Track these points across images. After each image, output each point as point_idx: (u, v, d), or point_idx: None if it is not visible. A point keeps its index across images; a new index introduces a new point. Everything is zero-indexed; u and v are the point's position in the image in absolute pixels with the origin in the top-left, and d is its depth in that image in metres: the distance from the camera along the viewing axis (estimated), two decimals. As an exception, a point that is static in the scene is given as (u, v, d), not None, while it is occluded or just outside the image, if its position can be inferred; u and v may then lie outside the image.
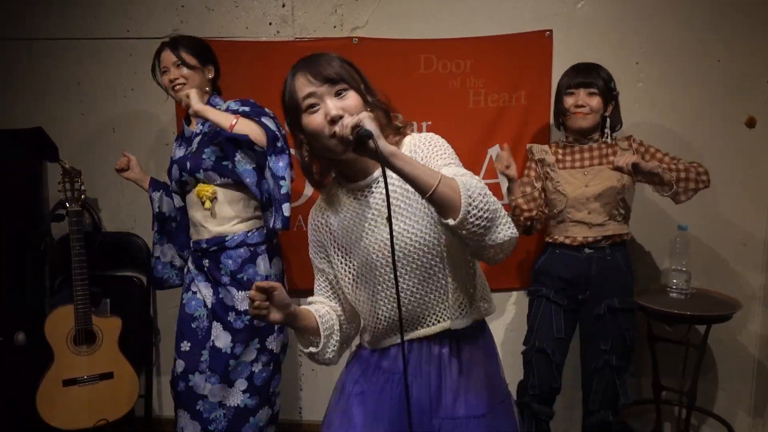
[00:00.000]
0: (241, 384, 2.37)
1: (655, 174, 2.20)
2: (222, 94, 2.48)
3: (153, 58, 2.41)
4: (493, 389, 1.51)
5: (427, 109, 2.80)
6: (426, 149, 1.40)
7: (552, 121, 2.59)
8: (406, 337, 1.46)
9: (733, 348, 2.81)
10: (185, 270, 2.51)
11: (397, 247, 1.38)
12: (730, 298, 2.55)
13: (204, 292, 2.38)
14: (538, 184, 2.47)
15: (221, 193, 2.32)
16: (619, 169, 2.21)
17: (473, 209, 1.18)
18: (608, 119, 2.39)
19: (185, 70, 2.33)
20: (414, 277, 1.41)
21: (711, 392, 2.83)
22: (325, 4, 2.80)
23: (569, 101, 2.35)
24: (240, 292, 2.34)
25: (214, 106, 2.35)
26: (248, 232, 2.35)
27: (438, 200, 1.19)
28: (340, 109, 1.31)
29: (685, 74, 2.71)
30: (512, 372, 2.83)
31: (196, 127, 2.41)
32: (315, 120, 1.33)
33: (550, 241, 2.48)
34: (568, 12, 2.72)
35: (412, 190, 1.27)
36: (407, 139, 1.46)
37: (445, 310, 1.44)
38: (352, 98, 1.34)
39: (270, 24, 2.82)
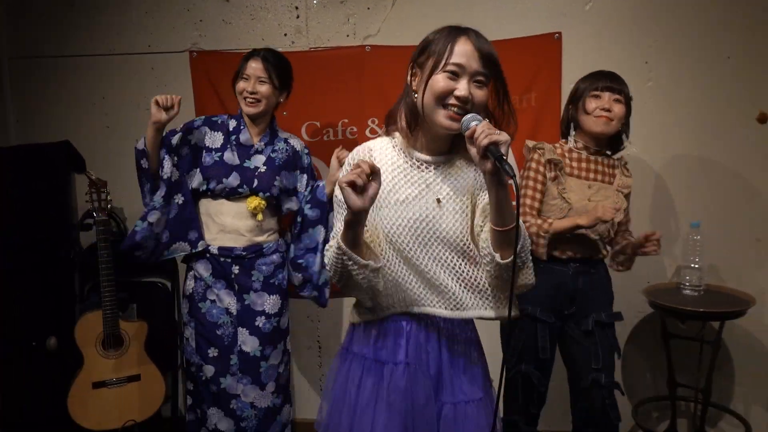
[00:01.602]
0: (271, 386, 2.47)
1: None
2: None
3: (239, 64, 2.36)
4: (483, 375, 1.58)
5: (439, 113, 2.85)
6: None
7: (561, 127, 2.45)
8: (414, 310, 1.50)
9: (748, 344, 2.81)
10: (192, 276, 2.47)
11: (429, 228, 1.45)
12: (743, 294, 2.56)
13: (227, 300, 2.43)
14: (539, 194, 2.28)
15: (267, 206, 2.44)
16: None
17: (519, 261, 1.34)
18: (623, 133, 2.28)
19: (266, 88, 2.33)
20: (432, 258, 1.46)
21: (727, 388, 2.83)
22: (338, 14, 2.88)
23: (593, 104, 2.20)
24: (271, 296, 2.44)
25: (275, 131, 2.46)
26: (279, 240, 2.49)
27: (503, 238, 1.33)
28: (470, 94, 1.35)
29: (696, 72, 2.72)
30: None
31: (258, 142, 2.41)
32: (443, 83, 1.36)
33: (535, 256, 2.28)
34: (576, 13, 2.76)
35: (461, 189, 1.45)
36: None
37: (450, 299, 1.48)
38: (483, 93, 1.39)
39: (285, 35, 2.91)
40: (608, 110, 2.18)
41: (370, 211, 1.39)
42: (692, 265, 2.58)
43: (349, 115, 2.93)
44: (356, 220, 1.31)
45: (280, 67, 2.37)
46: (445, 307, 1.49)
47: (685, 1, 2.70)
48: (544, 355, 2.27)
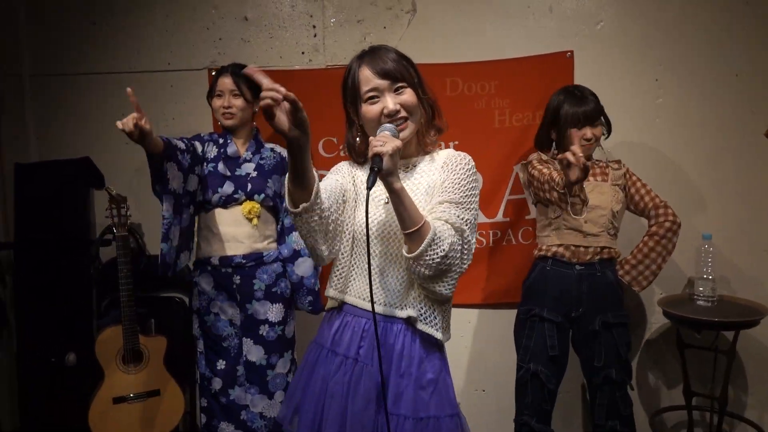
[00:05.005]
0: (280, 395, 2.51)
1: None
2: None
3: (212, 81, 2.51)
4: (441, 401, 1.54)
5: (454, 129, 2.84)
6: (453, 171, 1.55)
7: (538, 142, 2.58)
8: (377, 309, 1.55)
9: (760, 353, 2.86)
10: (197, 291, 2.56)
11: (385, 230, 1.55)
12: (756, 304, 2.61)
13: (230, 311, 2.50)
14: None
15: (262, 212, 2.48)
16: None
17: (422, 260, 1.40)
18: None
19: (240, 101, 2.46)
20: (389, 259, 1.56)
21: (741, 397, 2.88)
22: (354, 33, 2.94)
23: (576, 136, 2.37)
24: (274, 304, 2.48)
25: (260, 142, 2.54)
26: (279, 249, 2.53)
27: (409, 237, 1.41)
28: (397, 104, 1.51)
29: (705, 89, 2.80)
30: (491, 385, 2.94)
31: (245, 152, 2.52)
32: (372, 110, 1.53)
33: (542, 254, 2.46)
34: (588, 32, 2.83)
35: (419, 188, 1.56)
36: (448, 151, 1.63)
37: (406, 300, 1.54)
38: (408, 95, 1.54)
39: (302, 53, 2.96)
40: (590, 139, 2.38)
41: (347, 209, 1.59)
42: (705, 276, 2.63)
43: (365, 131, 2.98)
44: (295, 138, 1.31)
45: (249, 80, 2.43)
46: (405, 314, 1.54)
47: (694, 20, 2.78)
48: (553, 352, 2.38)
